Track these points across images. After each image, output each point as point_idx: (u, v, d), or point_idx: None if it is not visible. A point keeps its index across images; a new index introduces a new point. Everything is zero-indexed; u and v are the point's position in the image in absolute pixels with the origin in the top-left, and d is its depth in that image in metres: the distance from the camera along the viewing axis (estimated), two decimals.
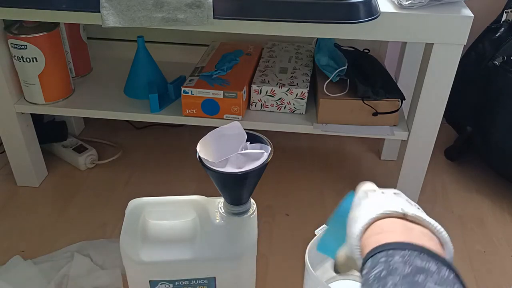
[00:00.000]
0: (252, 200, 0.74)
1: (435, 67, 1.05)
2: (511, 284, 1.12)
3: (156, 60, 1.28)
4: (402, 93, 1.17)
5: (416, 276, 0.37)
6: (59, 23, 1.22)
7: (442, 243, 0.45)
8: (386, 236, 0.43)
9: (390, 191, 0.52)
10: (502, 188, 1.39)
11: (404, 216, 0.46)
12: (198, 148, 0.67)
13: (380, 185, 1.43)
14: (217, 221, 0.74)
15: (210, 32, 1.01)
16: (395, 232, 0.44)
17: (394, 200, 0.49)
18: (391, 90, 1.17)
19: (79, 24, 1.34)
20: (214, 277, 0.76)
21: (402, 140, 1.20)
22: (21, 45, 1.15)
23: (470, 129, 1.41)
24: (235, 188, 0.69)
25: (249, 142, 0.68)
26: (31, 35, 1.15)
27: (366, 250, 0.44)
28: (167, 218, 0.76)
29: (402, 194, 0.51)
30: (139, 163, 1.48)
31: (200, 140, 0.67)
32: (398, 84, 1.23)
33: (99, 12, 0.95)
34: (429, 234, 0.45)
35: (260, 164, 0.64)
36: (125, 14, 0.96)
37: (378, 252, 0.41)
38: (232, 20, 0.97)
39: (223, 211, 0.73)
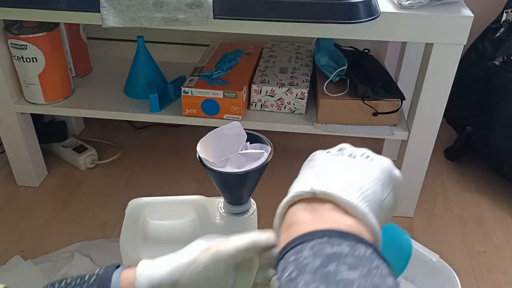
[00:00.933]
0: (252, 200, 0.74)
1: (435, 67, 1.05)
2: (511, 284, 1.12)
3: (156, 60, 1.28)
4: (402, 93, 1.17)
5: (327, 267, 0.34)
6: (59, 23, 1.22)
7: (360, 218, 0.39)
8: (295, 230, 0.39)
9: (335, 149, 0.47)
10: (502, 188, 1.39)
11: (314, 195, 0.41)
12: (198, 148, 0.66)
13: None
14: (217, 221, 0.74)
15: (210, 32, 1.01)
16: (304, 222, 0.40)
17: (317, 170, 0.44)
18: (391, 90, 1.17)
19: (79, 24, 1.34)
20: None
21: (402, 140, 1.20)
22: (21, 45, 1.15)
23: (470, 129, 1.41)
24: (235, 188, 0.69)
25: (249, 142, 0.68)
26: (31, 35, 1.15)
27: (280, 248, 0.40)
28: (167, 218, 0.76)
29: (347, 149, 0.46)
30: (139, 163, 1.48)
31: (200, 140, 0.67)
32: (398, 84, 1.23)
33: (99, 12, 0.95)
34: (341, 210, 0.40)
35: (260, 164, 0.64)
36: (125, 14, 0.96)
37: (287, 252, 0.37)
38: (232, 20, 0.97)
39: (223, 211, 0.73)
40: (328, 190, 0.40)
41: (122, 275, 0.47)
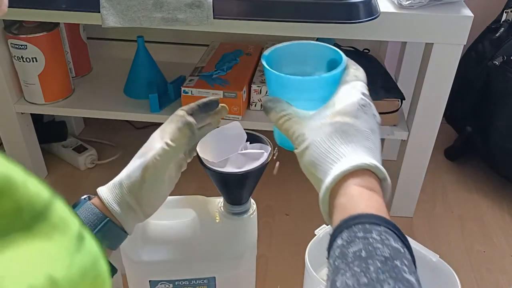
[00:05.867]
0: (252, 200, 0.74)
1: (435, 67, 1.05)
2: (511, 283, 1.12)
3: (156, 60, 1.28)
4: (402, 93, 1.17)
5: (394, 261, 0.37)
6: (59, 23, 1.22)
7: (382, 188, 0.45)
8: (354, 205, 0.42)
9: (371, 107, 0.53)
10: (502, 188, 1.39)
11: (370, 168, 0.45)
12: (198, 148, 0.67)
13: None
14: (217, 221, 0.74)
15: (210, 32, 1.01)
16: (362, 199, 0.42)
17: (372, 141, 0.48)
18: (391, 90, 1.17)
19: (79, 24, 1.34)
20: (214, 277, 0.76)
21: (402, 140, 1.20)
22: (21, 45, 1.15)
23: (470, 129, 1.41)
24: (235, 188, 0.69)
25: (249, 142, 0.68)
26: (31, 35, 1.15)
27: (336, 214, 0.43)
28: (167, 218, 0.76)
29: (371, 107, 0.52)
30: None
31: (200, 140, 0.67)
32: (398, 84, 1.23)
33: (99, 12, 0.95)
34: (377, 187, 0.44)
35: (260, 164, 0.64)
36: (125, 14, 0.96)
37: (354, 225, 0.40)
38: (232, 20, 0.97)
39: (223, 211, 0.73)
40: (378, 165, 0.44)
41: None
